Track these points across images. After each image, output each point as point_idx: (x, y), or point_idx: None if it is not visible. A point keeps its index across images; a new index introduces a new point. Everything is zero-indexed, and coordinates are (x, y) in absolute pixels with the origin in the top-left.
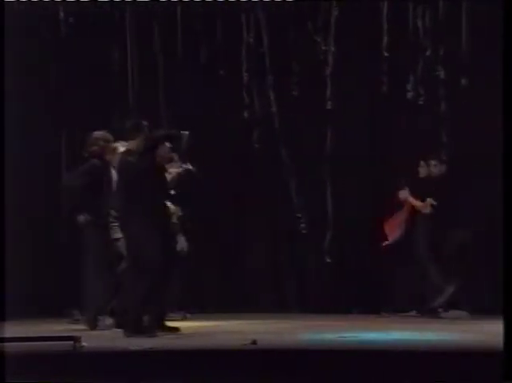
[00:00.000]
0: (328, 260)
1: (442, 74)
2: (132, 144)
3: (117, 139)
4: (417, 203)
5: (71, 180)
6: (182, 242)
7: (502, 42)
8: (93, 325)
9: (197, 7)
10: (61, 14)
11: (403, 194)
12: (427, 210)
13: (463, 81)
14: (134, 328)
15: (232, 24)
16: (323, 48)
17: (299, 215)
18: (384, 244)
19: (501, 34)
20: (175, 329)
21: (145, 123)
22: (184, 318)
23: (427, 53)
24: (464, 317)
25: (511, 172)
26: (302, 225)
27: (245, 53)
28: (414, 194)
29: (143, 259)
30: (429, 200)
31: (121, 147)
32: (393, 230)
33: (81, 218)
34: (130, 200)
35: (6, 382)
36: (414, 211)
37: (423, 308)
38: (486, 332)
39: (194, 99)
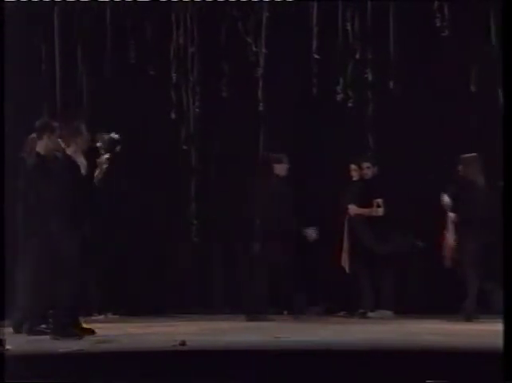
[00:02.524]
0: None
1: (370, 77)
2: (40, 145)
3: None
4: (366, 211)
5: None
6: None
7: (501, 44)
8: (18, 329)
9: (126, 6)
10: None
11: (353, 209)
12: (380, 212)
13: (391, 84)
14: (61, 330)
15: (162, 23)
16: (254, 49)
17: (194, 223)
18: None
19: (500, 36)
20: (91, 332)
21: (56, 123)
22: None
23: (357, 55)
24: (389, 317)
25: (511, 173)
26: (194, 232)
27: (175, 53)
28: (346, 197)
29: (63, 260)
30: (376, 202)
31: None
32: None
33: None
34: (50, 200)
35: (6, 382)
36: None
37: (353, 308)
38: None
39: (123, 98)
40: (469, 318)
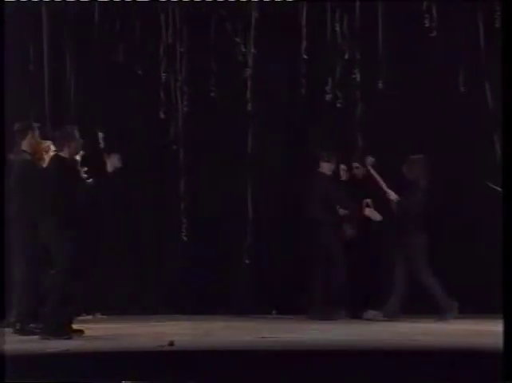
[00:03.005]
0: (247, 261)
1: (359, 77)
2: (25, 145)
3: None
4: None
5: None
6: None
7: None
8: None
9: (115, 6)
10: None
11: (341, 211)
12: (369, 213)
13: (380, 85)
14: (51, 330)
15: (151, 23)
16: (243, 49)
17: (184, 221)
18: None
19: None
20: (80, 332)
21: (36, 124)
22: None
23: (345, 56)
24: (380, 317)
25: (510, 172)
26: (183, 232)
27: (163, 52)
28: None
29: (53, 260)
30: (365, 202)
31: (52, 147)
32: None
33: None
34: (40, 201)
35: (6, 382)
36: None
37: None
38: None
39: (112, 98)
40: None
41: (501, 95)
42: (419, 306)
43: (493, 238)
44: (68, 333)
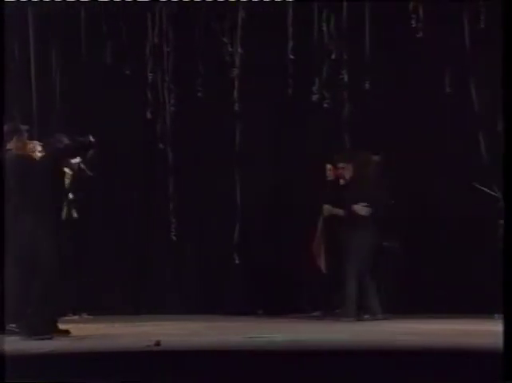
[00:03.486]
0: (237, 261)
1: (346, 77)
2: (12, 146)
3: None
4: (340, 211)
5: None
6: None
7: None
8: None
9: (101, 6)
10: None
11: (327, 209)
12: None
13: (367, 85)
14: (30, 330)
15: (137, 23)
16: (229, 49)
17: (172, 221)
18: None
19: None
20: (66, 332)
21: (24, 127)
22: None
23: (332, 56)
24: (365, 318)
25: (510, 172)
26: (173, 232)
27: (150, 52)
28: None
29: (38, 259)
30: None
31: (39, 147)
32: (318, 254)
33: None
34: (26, 199)
35: (6, 382)
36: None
37: (328, 309)
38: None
39: (99, 98)
40: (347, 316)
41: (501, 95)
42: (414, 305)
43: (489, 238)
44: (49, 333)
